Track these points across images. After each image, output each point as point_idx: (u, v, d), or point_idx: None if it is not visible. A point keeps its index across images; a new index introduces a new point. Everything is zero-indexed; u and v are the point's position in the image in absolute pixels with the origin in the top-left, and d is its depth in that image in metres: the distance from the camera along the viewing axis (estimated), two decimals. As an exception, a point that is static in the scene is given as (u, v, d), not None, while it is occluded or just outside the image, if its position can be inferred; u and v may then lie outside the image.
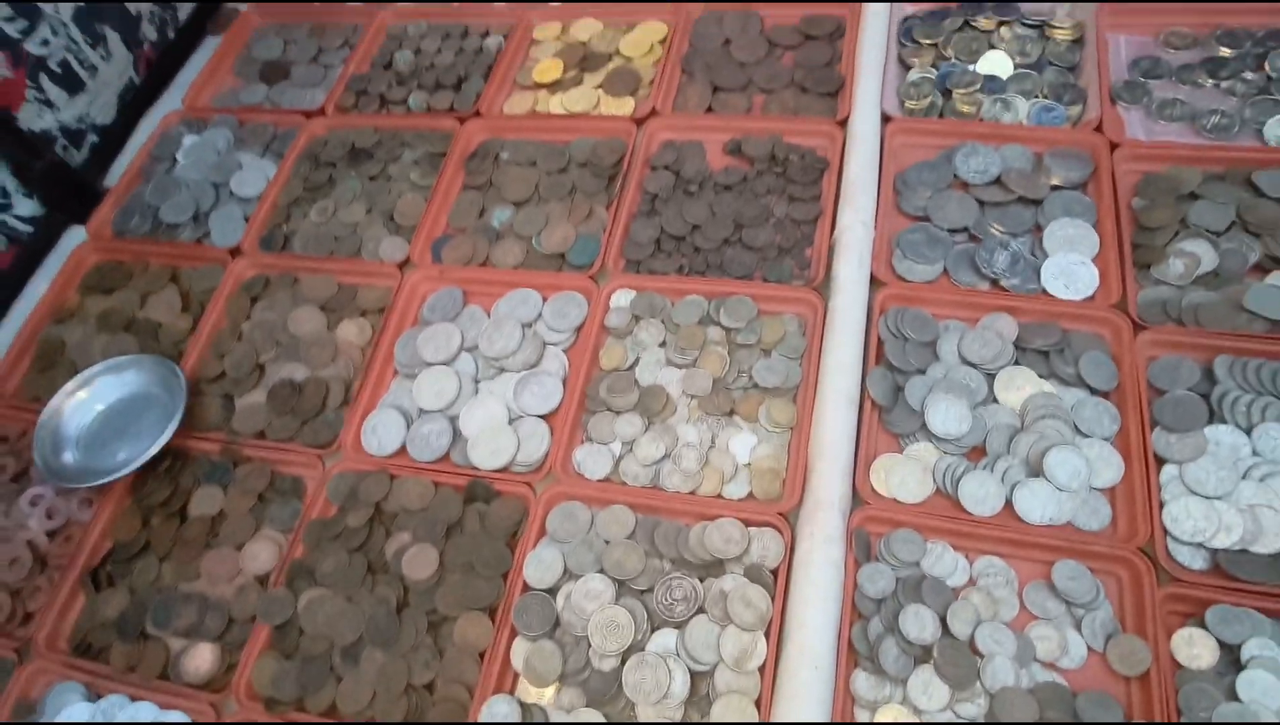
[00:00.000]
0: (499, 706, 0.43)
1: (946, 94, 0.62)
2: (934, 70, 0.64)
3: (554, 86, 0.70)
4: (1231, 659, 0.40)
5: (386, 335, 0.58)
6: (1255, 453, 0.44)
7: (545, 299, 0.57)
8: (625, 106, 0.67)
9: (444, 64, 0.73)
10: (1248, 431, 0.45)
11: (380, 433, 0.54)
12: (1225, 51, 0.60)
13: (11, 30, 0.66)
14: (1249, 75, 0.59)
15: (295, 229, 0.65)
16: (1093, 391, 0.48)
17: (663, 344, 0.54)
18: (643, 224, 0.59)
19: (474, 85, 0.71)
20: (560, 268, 0.60)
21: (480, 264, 0.61)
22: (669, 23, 0.71)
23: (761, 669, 0.42)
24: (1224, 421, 0.45)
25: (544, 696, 0.43)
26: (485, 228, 0.62)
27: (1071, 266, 0.52)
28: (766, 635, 0.42)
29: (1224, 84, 0.59)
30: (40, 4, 0.67)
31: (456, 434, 0.53)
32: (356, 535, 0.49)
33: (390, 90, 0.72)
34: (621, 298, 0.56)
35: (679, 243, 0.58)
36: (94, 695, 0.49)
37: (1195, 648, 0.40)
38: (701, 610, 0.44)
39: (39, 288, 0.67)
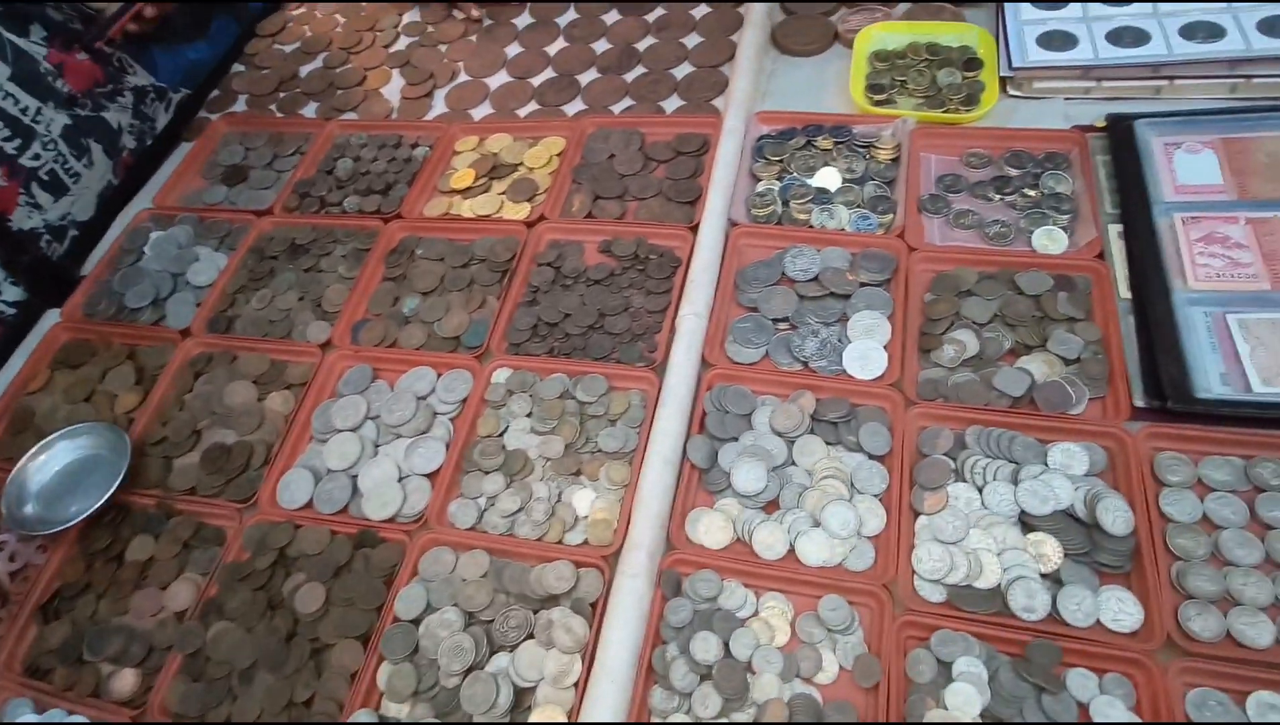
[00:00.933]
0: (361, 718, 0.52)
1: (786, 203, 0.75)
2: (778, 182, 0.76)
3: (466, 192, 0.82)
4: (946, 674, 0.50)
5: (307, 405, 0.69)
6: (984, 506, 0.55)
7: (439, 375, 0.69)
8: (522, 211, 0.79)
9: (377, 171, 0.86)
10: (980, 489, 0.55)
11: (292, 488, 0.64)
12: (1011, 171, 0.73)
13: (9, 147, 0.79)
14: (1028, 192, 0.71)
15: (238, 313, 0.77)
16: (870, 456, 0.59)
17: (529, 414, 0.65)
18: (524, 312, 0.71)
19: (399, 190, 0.83)
20: (455, 349, 0.71)
21: (390, 345, 0.72)
22: (567, 137, 0.84)
23: (576, 685, 0.51)
24: (964, 480, 0.56)
25: (401, 711, 0.53)
26: (397, 314, 0.74)
27: (868, 351, 0.64)
28: (582, 657, 0.52)
29: (1008, 198, 0.71)
30: (32, 123, 0.81)
31: (355, 490, 0.64)
32: (261, 576, 0.59)
33: (330, 193, 0.85)
34: (500, 375, 0.67)
35: (552, 328, 0.70)
36: (40, 709, 0.58)
37: (920, 665, 0.50)
38: (531, 636, 0.53)
39: (17, 363, 0.79)
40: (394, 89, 0.98)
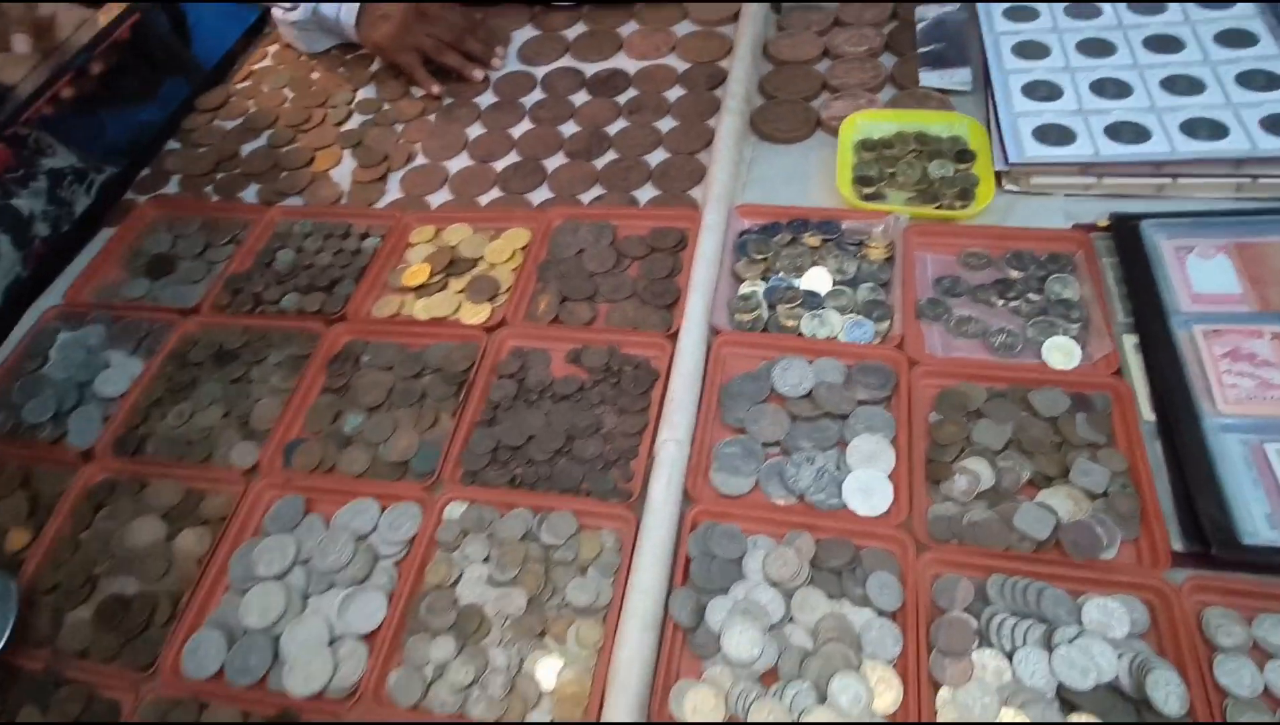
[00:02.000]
0: None
1: (773, 307, 0.69)
2: (764, 283, 0.71)
3: (420, 290, 0.75)
4: None
5: (225, 546, 0.60)
6: (1015, 678, 0.48)
7: (383, 509, 0.60)
8: (483, 312, 0.72)
9: (322, 264, 0.79)
10: (1010, 655, 0.48)
11: (200, 654, 0.55)
12: (1014, 273, 0.68)
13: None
14: (1033, 296, 0.66)
15: (151, 431, 0.68)
16: (880, 612, 0.52)
17: (486, 559, 0.57)
18: (482, 434, 0.63)
19: (345, 287, 0.76)
20: (403, 475, 0.63)
21: (328, 470, 0.64)
22: (532, 229, 0.78)
23: None
24: (991, 644, 0.49)
25: None
26: (337, 433, 0.66)
27: (871, 482, 0.57)
28: None
29: (1011, 303, 0.67)
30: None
31: (277, 654, 0.55)
32: (157, 772, 0.49)
33: (267, 290, 0.77)
34: (454, 510, 0.59)
35: (514, 452, 0.62)
36: None
37: None
38: None
39: (-112, 489, 0.68)
40: (345, 171, 0.91)
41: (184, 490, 0.64)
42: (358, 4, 0.98)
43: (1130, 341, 0.62)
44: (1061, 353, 0.63)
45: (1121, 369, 0.61)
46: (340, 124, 0.97)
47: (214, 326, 0.74)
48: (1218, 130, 0.70)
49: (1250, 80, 0.73)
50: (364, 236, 0.81)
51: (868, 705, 0.48)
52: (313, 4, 1.00)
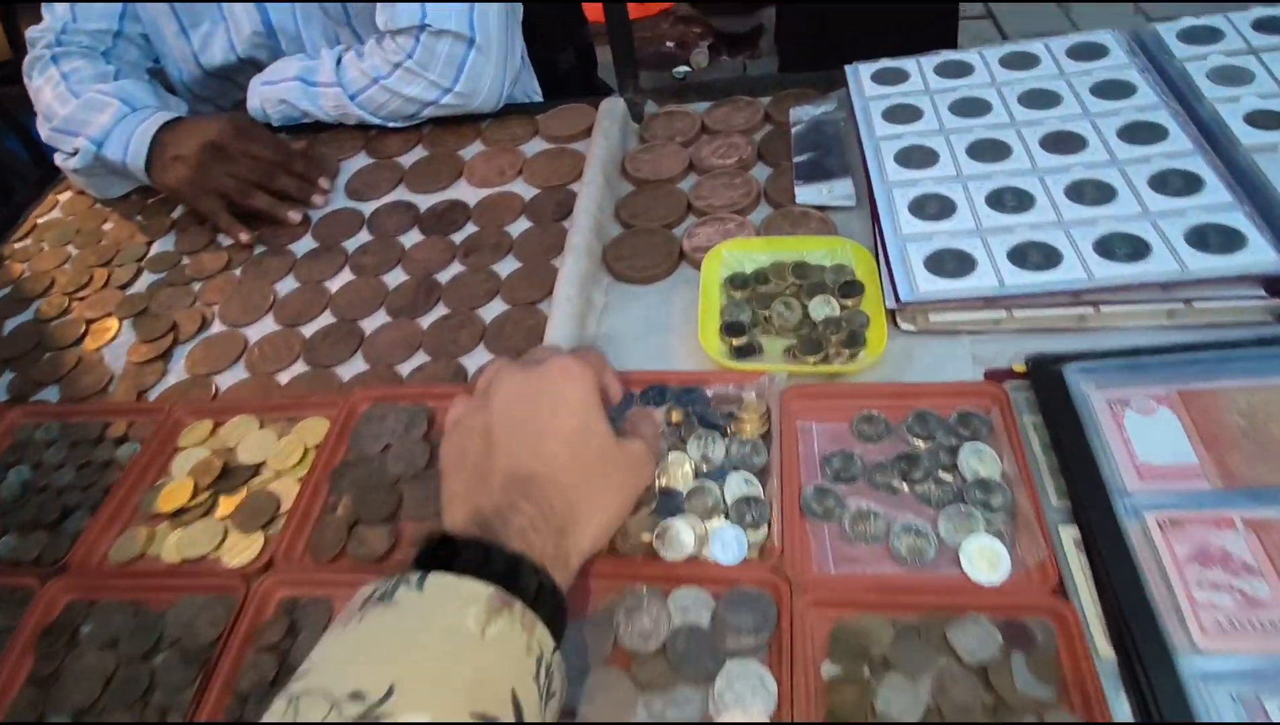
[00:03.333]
0: None
1: (622, 513, 0.54)
2: (611, 479, 0.56)
3: (177, 517, 0.59)
4: None
5: None
6: None
7: None
8: (252, 547, 0.56)
9: (59, 485, 0.62)
10: None
11: None
12: (919, 444, 0.55)
13: None
14: (944, 475, 0.53)
15: None
16: None
17: None
18: (222, 744, 0.47)
19: (79, 520, 0.60)
20: (109, 818, 0.46)
21: (6, 816, 0.46)
22: (332, 418, 0.63)
23: None
24: None
25: None
26: (28, 752, 0.49)
27: (746, 784, 0.42)
28: None
29: (919, 488, 0.53)
30: None
31: None
32: None
33: (-18, 527, 0.61)
34: None
35: (264, 772, 0.46)
36: None
37: None
38: None
39: None
40: (121, 347, 0.76)
41: None
42: (148, 144, 0.85)
43: (1069, 534, 0.49)
44: (986, 560, 0.49)
45: (1063, 581, 0.47)
46: (126, 286, 0.82)
47: (-103, 592, 0.57)
48: (1139, 248, 0.59)
49: (1165, 184, 0.63)
50: (121, 441, 0.65)
51: None
52: (92, 148, 0.86)
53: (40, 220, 0.94)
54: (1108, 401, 0.53)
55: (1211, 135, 0.66)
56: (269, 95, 0.94)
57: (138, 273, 0.83)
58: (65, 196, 0.96)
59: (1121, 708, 0.42)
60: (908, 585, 0.49)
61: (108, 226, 0.90)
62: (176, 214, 0.89)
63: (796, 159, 0.77)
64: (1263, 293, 0.57)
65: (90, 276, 0.83)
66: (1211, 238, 0.58)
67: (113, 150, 0.86)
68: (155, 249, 0.86)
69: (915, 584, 0.49)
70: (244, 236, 0.83)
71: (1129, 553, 0.46)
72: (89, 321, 0.79)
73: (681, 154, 0.82)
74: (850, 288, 0.64)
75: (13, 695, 0.51)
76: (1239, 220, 0.59)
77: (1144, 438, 0.51)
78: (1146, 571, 0.45)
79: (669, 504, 0.54)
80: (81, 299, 0.82)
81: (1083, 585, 0.47)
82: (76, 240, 0.89)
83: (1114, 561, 0.46)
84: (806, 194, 0.74)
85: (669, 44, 2.51)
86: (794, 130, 0.81)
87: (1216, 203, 0.60)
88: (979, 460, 0.53)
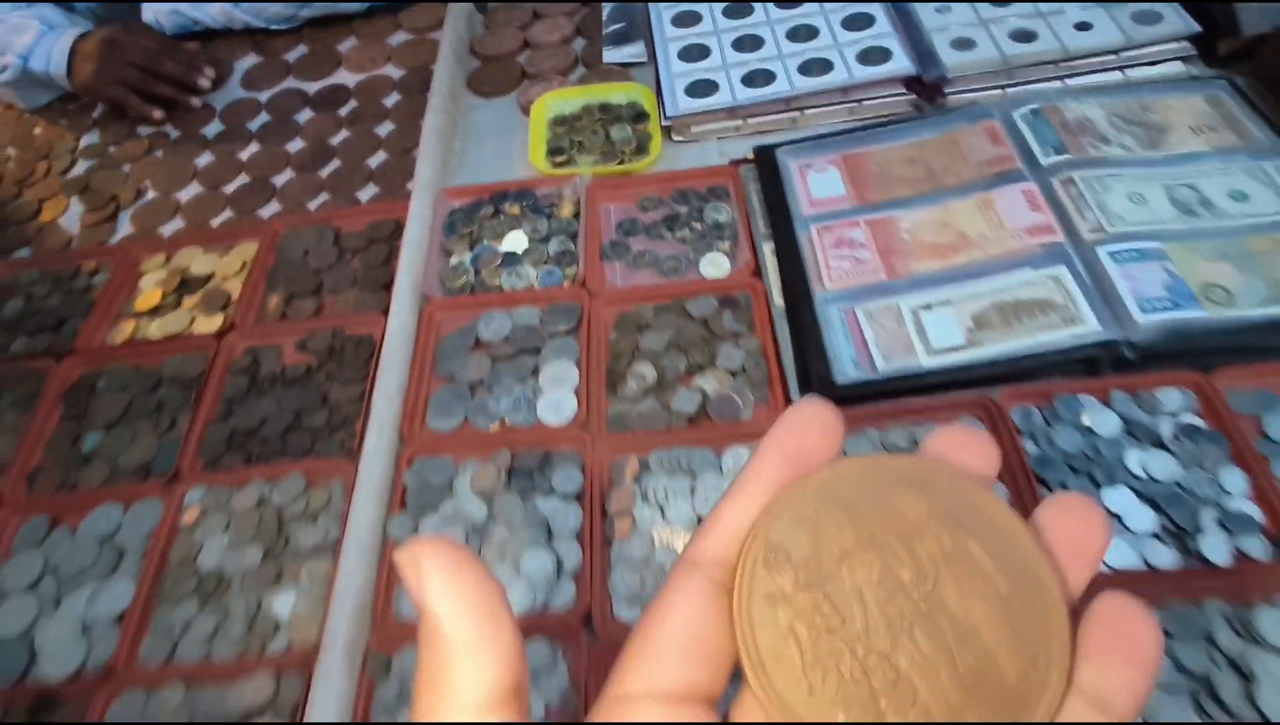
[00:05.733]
0: None
1: (479, 271, 0.81)
2: (470, 252, 0.83)
3: (154, 312, 0.83)
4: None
5: (-28, 575, 0.66)
6: (665, 520, 0.62)
7: (126, 509, 0.68)
8: (215, 322, 0.81)
9: (50, 306, 0.85)
10: (662, 508, 0.62)
11: (-45, 671, 0.61)
12: (679, 209, 0.84)
13: None
14: (695, 225, 0.82)
15: (-115, 490, 0.73)
16: (565, 498, 0.65)
17: (226, 529, 0.66)
18: (217, 427, 0.72)
19: (75, 323, 0.83)
20: (145, 478, 0.71)
21: (70, 488, 0.71)
22: (260, 241, 0.87)
23: (280, 799, 0.52)
24: (647, 501, 0.63)
25: None
26: (76, 454, 0.73)
27: (560, 399, 0.70)
28: (285, 768, 0.53)
29: (678, 234, 0.82)
30: None
31: (32, 654, 0.61)
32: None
33: (-3, 338, 0.83)
34: (193, 496, 0.68)
35: (249, 437, 0.71)
36: None
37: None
38: (227, 761, 0.54)
39: None
40: (73, 217, 0.97)
41: (-75, 535, 0.69)
42: (67, 54, 1.04)
43: (768, 247, 0.79)
44: (714, 266, 0.78)
45: (759, 269, 0.77)
46: (65, 172, 1.03)
47: (-58, 383, 0.79)
48: (826, 67, 0.88)
49: (852, 23, 0.92)
50: (94, 274, 0.88)
51: (555, 570, 0.60)
52: (19, 63, 1.05)
53: (-28, 131, 1.12)
54: (798, 167, 0.83)
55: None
56: (161, 8, 1.14)
57: (72, 162, 1.04)
58: (-7, 110, 1.14)
59: (783, 330, 0.72)
60: (664, 286, 0.77)
61: (38, 131, 1.09)
62: (97, 113, 1.09)
63: (606, 30, 1.04)
64: (903, 90, 0.87)
65: (33, 169, 1.03)
66: (873, 56, 0.88)
67: (37, 63, 1.05)
68: (84, 142, 1.06)
69: (669, 285, 0.77)
70: (156, 114, 1.04)
71: (798, 247, 0.76)
72: (41, 201, 0.99)
73: (518, 35, 1.07)
74: (639, 116, 0.92)
75: (50, 431, 0.75)
76: (893, 44, 0.89)
77: (817, 184, 0.81)
78: (805, 256, 0.75)
79: (512, 259, 0.81)
80: (30, 186, 1.02)
81: (771, 271, 0.76)
82: (13, 144, 1.08)
83: (788, 254, 0.76)
84: (611, 55, 1.00)
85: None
86: (605, 10, 1.07)
87: (879, 33, 0.90)
88: (716, 212, 0.82)
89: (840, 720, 0.20)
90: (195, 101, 1.06)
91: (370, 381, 0.72)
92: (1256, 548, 0.55)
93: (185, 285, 0.85)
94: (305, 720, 0.55)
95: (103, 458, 0.72)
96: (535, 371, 0.73)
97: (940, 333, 0.67)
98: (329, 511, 0.66)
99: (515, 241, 0.83)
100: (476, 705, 0.20)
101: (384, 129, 0.99)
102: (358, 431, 0.71)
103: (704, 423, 0.68)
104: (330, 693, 0.55)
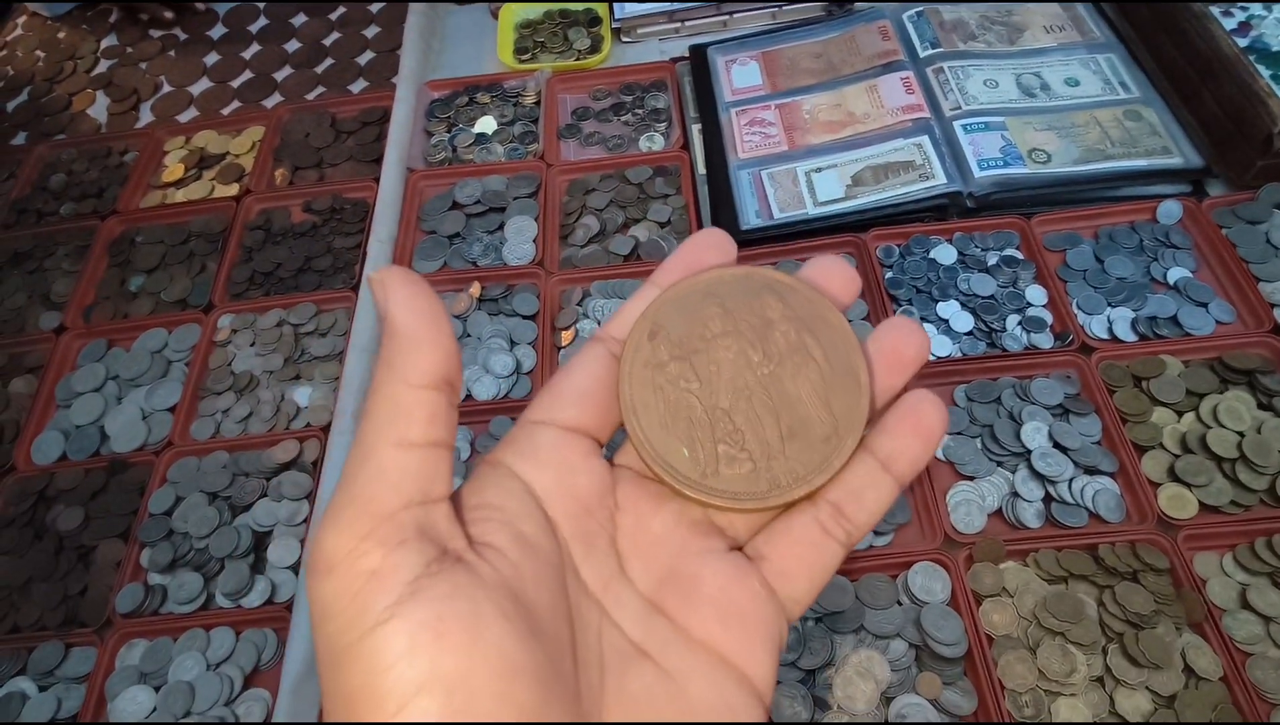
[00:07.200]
0: (129, 593, 0.67)
1: (455, 149, 0.95)
2: (448, 134, 0.97)
3: (179, 184, 0.97)
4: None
5: (47, 385, 0.81)
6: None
7: (170, 332, 0.83)
8: (232, 190, 0.95)
9: (90, 179, 0.99)
10: (599, 321, 0.78)
11: (45, 449, 0.77)
12: (625, 99, 0.98)
13: None
14: (637, 111, 0.96)
15: (-32, 321, 0.87)
16: (524, 317, 0.80)
17: (252, 344, 0.81)
18: (241, 268, 0.87)
19: (114, 192, 0.96)
20: (183, 310, 0.86)
21: (122, 318, 0.86)
22: (266, 125, 1.01)
23: (305, 521, 0.69)
24: (588, 317, 0.79)
25: (165, 580, 0.68)
26: (125, 292, 0.88)
27: (521, 246, 0.86)
28: (309, 500, 0.70)
29: (623, 118, 0.96)
30: None
31: (104, 437, 0.77)
32: (23, 518, 0.72)
33: (46, 205, 0.97)
34: (225, 321, 0.83)
35: (267, 276, 0.87)
36: None
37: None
38: (265, 495, 0.70)
39: None
40: (100, 108, 1.10)
41: (7, 354, 0.84)
42: (84, -38, 1.16)
43: (696, 127, 0.93)
44: (651, 143, 0.93)
45: (687, 144, 0.92)
46: (90, 70, 1.15)
47: (5, 238, 0.93)
48: (753, -24, 1.01)
49: (778, -62, 1.05)
50: (124, 153, 1.01)
51: (515, 369, 0.76)
52: (43, -30, 1.16)
53: (8, 38, 1.23)
54: (724, 62, 0.97)
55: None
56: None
57: (95, 62, 1.16)
58: (23, 19, 1.25)
59: (704, 192, 0.87)
60: (609, 159, 0.92)
61: (62, 35, 1.21)
62: (114, 18, 1.21)
63: (567, -54, 1.16)
64: (818, -3, 1.01)
65: (60, 68, 1.16)
66: (793, -33, 1.01)
67: (57, -30, 1.16)
68: (104, 45, 1.18)
69: (612, 158, 0.92)
70: (167, 14, 1.16)
71: (720, 127, 0.91)
72: (70, 94, 1.12)
73: (490, -51, 1.19)
74: (593, 21, 1.05)
75: (102, 272, 0.90)
76: (811, -43, 1.02)
77: (739, 76, 0.95)
78: (725, 133, 0.90)
79: (483, 139, 0.95)
80: (60, 82, 1.14)
81: (698, 147, 0.91)
82: (41, 47, 1.20)
83: (712, 132, 0.90)
84: (571, -33, 1.13)
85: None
86: (568, -73, 1.19)
87: (800, -53, 1.03)
88: (655, 100, 0.96)
89: (684, 453, 0.26)
90: (200, 6, 1.18)
91: (366, 233, 0.87)
92: (1044, 342, 0.72)
93: (204, 161, 0.99)
94: (322, 472, 0.71)
95: (147, 295, 0.87)
96: (501, 226, 0.88)
97: (825, 188, 0.82)
98: (335, 330, 0.81)
99: (486, 125, 0.97)
100: (418, 383, 0.23)
101: (371, 31, 1.12)
102: (356, 272, 0.86)
103: (635, 261, 0.84)
104: (342, 450, 0.71)
